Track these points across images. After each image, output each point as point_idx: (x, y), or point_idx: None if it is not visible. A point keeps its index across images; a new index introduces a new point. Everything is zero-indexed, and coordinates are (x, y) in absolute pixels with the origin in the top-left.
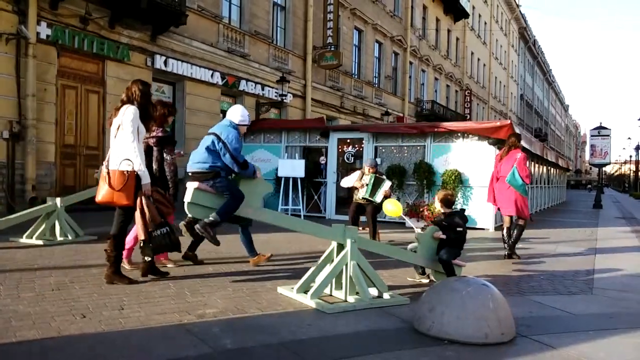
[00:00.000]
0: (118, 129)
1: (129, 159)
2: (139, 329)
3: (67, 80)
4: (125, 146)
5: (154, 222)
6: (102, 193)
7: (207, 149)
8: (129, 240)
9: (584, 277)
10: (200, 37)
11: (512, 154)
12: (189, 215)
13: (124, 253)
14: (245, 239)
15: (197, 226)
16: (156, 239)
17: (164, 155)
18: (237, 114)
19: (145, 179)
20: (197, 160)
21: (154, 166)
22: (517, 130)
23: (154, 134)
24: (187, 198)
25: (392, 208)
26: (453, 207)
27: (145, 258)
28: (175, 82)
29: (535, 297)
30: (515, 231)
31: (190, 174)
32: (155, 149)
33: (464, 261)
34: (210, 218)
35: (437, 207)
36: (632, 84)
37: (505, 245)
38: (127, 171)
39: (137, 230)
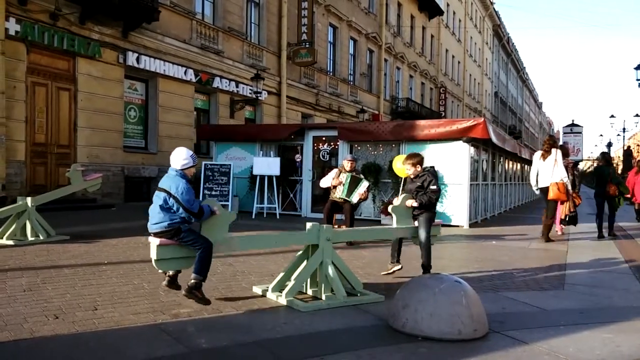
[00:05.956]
0: (555, 161)
1: (565, 176)
2: (113, 330)
3: (37, 77)
4: (561, 170)
5: (570, 209)
6: (554, 193)
7: (161, 207)
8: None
9: (556, 273)
10: (173, 34)
11: None
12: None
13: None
14: None
15: (183, 293)
16: (570, 216)
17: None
18: (180, 158)
19: (570, 185)
20: (155, 221)
21: (570, 177)
22: (491, 128)
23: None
24: (153, 256)
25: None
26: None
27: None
28: (148, 79)
29: (508, 293)
30: None
31: (153, 234)
32: (569, 168)
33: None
34: (192, 281)
35: (409, 170)
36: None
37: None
38: (563, 183)
39: (560, 212)
